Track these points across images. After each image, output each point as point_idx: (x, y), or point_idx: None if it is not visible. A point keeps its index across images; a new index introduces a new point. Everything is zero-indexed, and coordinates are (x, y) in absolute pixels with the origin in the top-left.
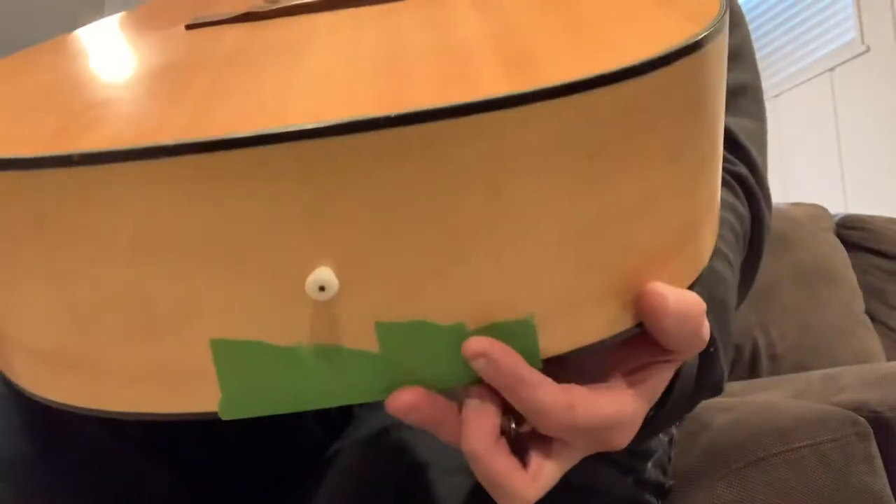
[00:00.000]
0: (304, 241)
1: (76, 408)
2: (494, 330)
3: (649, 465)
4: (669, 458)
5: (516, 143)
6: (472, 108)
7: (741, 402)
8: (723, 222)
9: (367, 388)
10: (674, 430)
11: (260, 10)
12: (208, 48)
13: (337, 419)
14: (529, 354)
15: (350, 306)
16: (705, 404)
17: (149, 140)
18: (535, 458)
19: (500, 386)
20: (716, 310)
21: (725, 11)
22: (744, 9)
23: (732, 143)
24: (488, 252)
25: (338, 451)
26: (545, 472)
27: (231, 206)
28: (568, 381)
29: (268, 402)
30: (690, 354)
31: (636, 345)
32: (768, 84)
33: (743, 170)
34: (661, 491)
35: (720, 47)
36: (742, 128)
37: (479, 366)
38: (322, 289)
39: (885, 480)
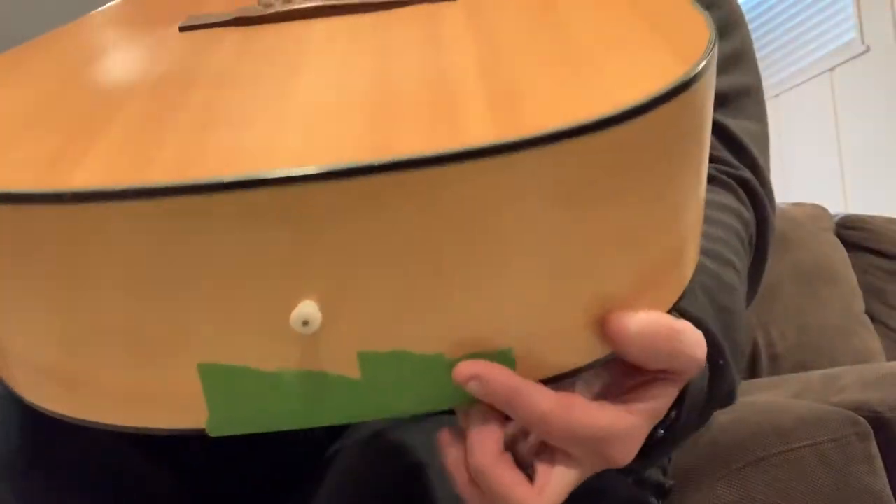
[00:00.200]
0: (288, 278)
1: (71, 418)
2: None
3: None
4: (669, 459)
5: (499, 188)
6: (455, 157)
7: (741, 402)
8: (729, 229)
9: (351, 411)
10: None
11: (253, 13)
12: (200, 62)
13: None
14: None
15: (333, 337)
16: None
17: (140, 179)
18: (541, 472)
19: (496, 402)
20: (724, 319)
21: (713, 46)
22: (744, 9)
23: (736, 145)
24: (468, 288)
25: (337, 452)
26: (551, 485)
27: (217, 245)
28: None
29: (254, 421)
30: (687, 372)
31: (631, 363)
32: (768, 84)
33: (746, 173)
34: (661, 491)
35: (706, 86)
36: (744, 130)
37: (473, 388)
38: (305, 323)
39: (885, 480)
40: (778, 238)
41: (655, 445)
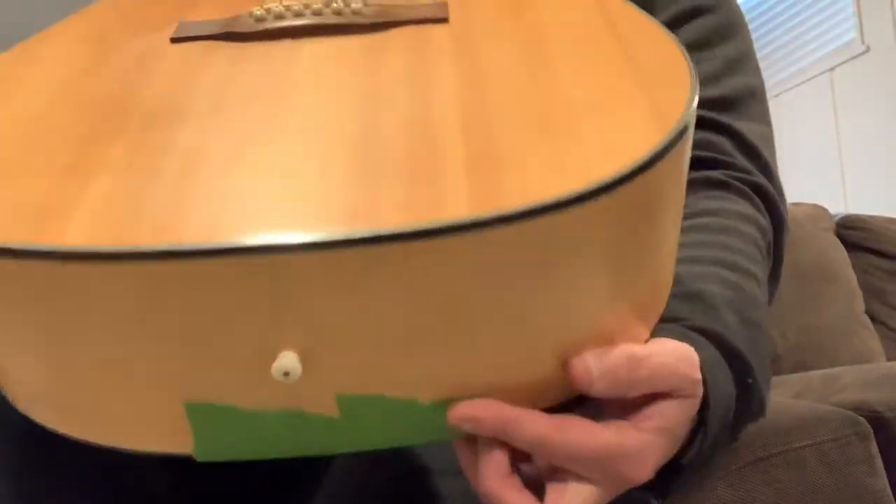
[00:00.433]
0: (269, 333)
1: (65, 435)
2: (442, 405)
3: None
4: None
5: (474, 260)
6: (433, 233)
7: None
8: (748, 239)
9: (331, 444)
10: None
11: (243, 27)
12: (187, 90)
13: None
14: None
15: (312, 383)
16: None
17: (128, 241)
18: (552, 491)
19: (491, 435)
20: (751, 333)
21: (692, 105)
22: (743, 9)
23: (748, 149)
24: (442, 346)
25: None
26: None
27: (202, 302)
28: None
29: (238, 450)
30: (681, 390)
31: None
32: (768, 84)
33: (760, 179)
34: None
35: (682, 152)
36: (754, 132)
37: (467, 428)
38: (286, 374)
39: (885, 480)
40: None
41: (685, 466)
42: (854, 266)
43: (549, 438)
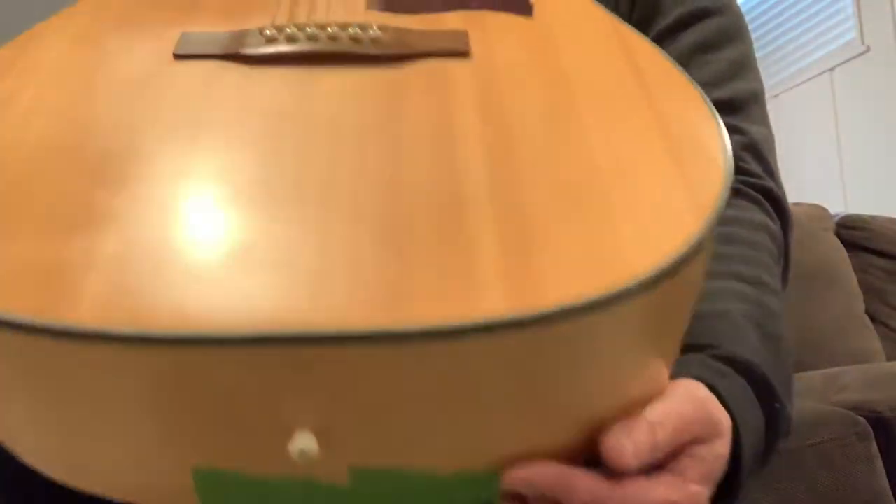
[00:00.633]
0: (286, 414)
1: (72, 487)
2: (461, 475)
3: None
4: None
5: (507, 356)
6: (469, 331)
7: None
8: (762, 248)
9: None
10: None
11: (253, 49)
12: (195, 128)
13: None
14: (488, 500)
15: (326, 459)
16: None
17: (139, 324)
18: None
19: (547, 493)
20: (773, 348)
21: (725, 195)
22: (743, 9)
23: (757, 153)
24: (466, 425)
25: None
26: None
27: (218, 384)
28: None
29: None
30: (709, 436)
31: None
32: (768, 84)
33: (769, 182)
34: None
35: (709, 247)
36: (760, 135)
37: (523, 490)
38: (303, 453)
39: (885, 480)
40: None
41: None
42: (854, 266)
43: (606, 495)
